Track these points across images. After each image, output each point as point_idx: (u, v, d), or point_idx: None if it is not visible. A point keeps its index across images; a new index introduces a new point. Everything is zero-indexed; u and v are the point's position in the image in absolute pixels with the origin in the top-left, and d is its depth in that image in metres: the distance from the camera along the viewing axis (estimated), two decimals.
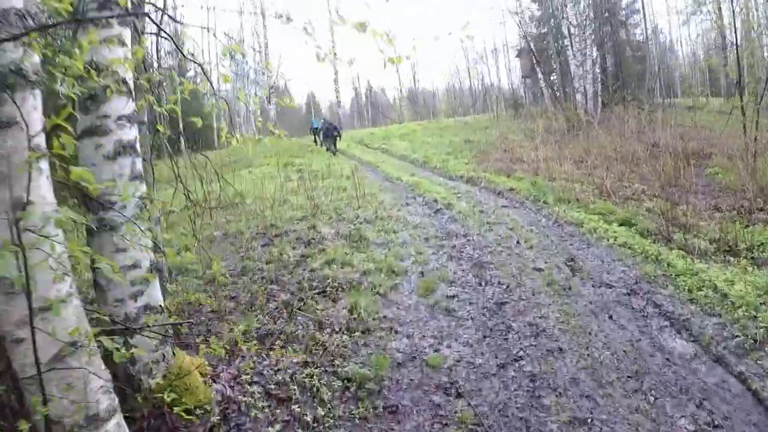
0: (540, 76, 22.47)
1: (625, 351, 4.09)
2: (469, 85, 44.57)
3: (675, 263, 5.43)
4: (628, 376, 3.73)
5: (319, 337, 4.08)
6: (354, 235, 6.71)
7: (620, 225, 6.74)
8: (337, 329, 4.23)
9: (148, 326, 3.21)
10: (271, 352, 3.87)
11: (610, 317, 4.62)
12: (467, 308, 4.72)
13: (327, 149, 18.42)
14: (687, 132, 12.90)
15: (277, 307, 4.66)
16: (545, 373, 3.70)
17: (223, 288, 5.23)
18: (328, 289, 5.04)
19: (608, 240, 6.28)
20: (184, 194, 3.72)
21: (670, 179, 8.84)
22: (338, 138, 18.48)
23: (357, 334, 4.16)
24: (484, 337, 4.21)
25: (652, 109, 16.89)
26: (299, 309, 4.63)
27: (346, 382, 3.56)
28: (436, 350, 4.00)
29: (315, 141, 21.93)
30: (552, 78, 24.13)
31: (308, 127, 25.66)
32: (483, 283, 5.24)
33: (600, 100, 18.75)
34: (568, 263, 5.73)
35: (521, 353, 3.96)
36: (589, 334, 4.28)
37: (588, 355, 3.97)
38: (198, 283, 5.06)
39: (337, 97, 33.92)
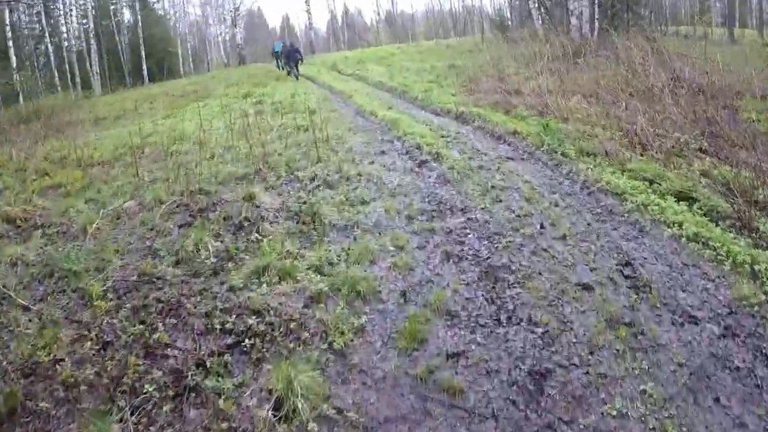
0: None
1: None
2: (449, 7, 39.87)
3: None
4: None
5: None
6: (306, 212, 4.27)
7: (677, 200, 4.46)
8: None
9: None
10: None
11: (716, 400, 2.50)
12: (484, 386, 2.48)
13: (289, 73, 16.00)
14: (701, 66, 10.28)
15: (159, 388, 2.34)
16: None
17: (100, 320, 2.86)
18: (248, 339, 2.71)
19: (669, 227, 4.02)
20: None
21: (711, 126, 6.49)
22: (300, 61, 16.12)
23: None
24: None
25: (658, 36, 14.00)
26: (193, 391, 2.33)
27: None
28: None
29: (277, 65, 18.79)
30: None
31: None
32: (503, 319, 2.99)
33: (597, 24, 15.71)
34: (624, 271, 3.51)
35: None
36: None
37: None
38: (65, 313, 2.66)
39: (308, 19, 29.45)
